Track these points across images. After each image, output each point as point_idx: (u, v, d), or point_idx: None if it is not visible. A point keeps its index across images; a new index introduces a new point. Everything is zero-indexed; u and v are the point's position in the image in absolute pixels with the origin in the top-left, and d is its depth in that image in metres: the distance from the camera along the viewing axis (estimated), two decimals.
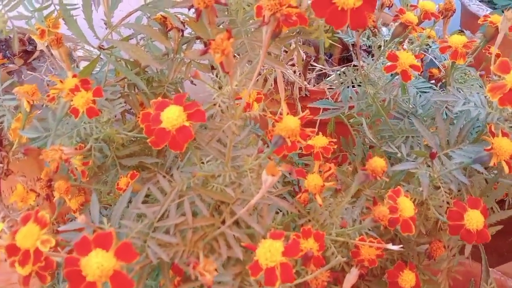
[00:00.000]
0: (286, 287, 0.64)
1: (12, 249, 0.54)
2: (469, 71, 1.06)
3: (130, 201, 0.69)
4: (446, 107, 0.97)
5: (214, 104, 0.68)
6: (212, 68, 0.90)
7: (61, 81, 0.67)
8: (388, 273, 0.84)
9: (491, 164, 0.68)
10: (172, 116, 0.54)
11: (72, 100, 0.64)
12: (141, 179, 0.82)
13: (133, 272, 0.65)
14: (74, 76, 0.68)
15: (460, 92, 0.90)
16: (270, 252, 0.52)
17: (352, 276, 0.74)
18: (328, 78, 1.29)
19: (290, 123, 0.55)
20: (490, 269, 1.04)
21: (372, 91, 0.95)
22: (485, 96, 0.79)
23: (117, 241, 0.50)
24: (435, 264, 0.91)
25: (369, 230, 0.77)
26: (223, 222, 0.69)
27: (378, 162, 0.62)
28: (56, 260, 0.59)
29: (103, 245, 0.48)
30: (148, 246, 0.64)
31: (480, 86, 1.03)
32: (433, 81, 1.32)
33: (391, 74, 0.95)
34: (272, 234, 0.54)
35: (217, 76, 0.68)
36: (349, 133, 1.19)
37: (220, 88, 0.68)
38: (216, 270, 0.51)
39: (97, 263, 0.46)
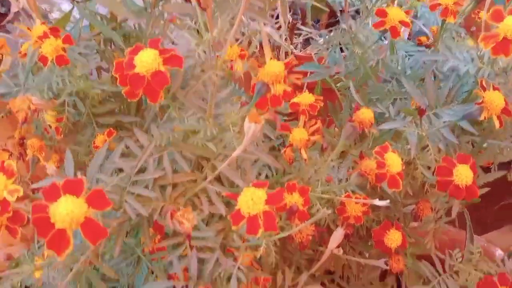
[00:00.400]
0: (270, 241, 0.62)
1: None
2: (459, 32, 1.03)
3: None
4: (435, 68, 0.95)
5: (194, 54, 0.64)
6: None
7: (29, 29, 0.62)
8: (374, 232, 0.83)
9: (482, 118, 0.66)
10: (147, 60, 0.51)
11: (40, 48, 0.60)
12: (118, 138, 0.78)
13: (110, 229, 0.62)
14: (43, 23, 0.64)
15: (449, 51, 0.88)
16: (252, 200, 0.49)
17: (337, 235, 0.73)
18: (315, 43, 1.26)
19: (274, 67, 0.52)
20: (475, 236, 1.04)
21: (360, 51, 0.92)
22: (477, 53, 0.77)
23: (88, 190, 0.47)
24: (421, 226, 0.90)
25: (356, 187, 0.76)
26: (205, 179, 0.67)
27: (366, 114, 0.60)
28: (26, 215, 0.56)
29: (73, 192, 0.45)
30: (126, 201, 0.61)
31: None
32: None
33: (380, 35, 0.92)
34: (255, 183, 0.52)
35: (195, 24, 0.64)
36: (336, 98, 1.17)
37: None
38: (194, 219, 0.48)
39: (67, 209, 0.43)
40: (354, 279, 1.01)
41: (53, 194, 0.45)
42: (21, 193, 0.50)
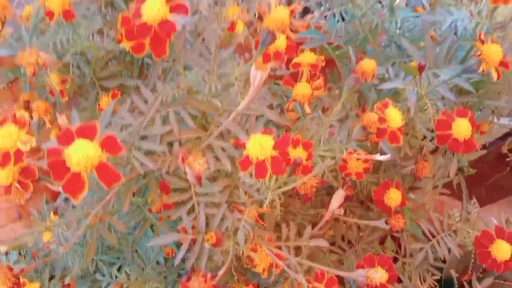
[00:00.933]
0: (275, 194, 0.64)
1: None
2: None
3: None
4: (434, 30, 0.96)
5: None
6: None
7: None
8: (374, 192, 0.85)
9: (480, 70, 0.67)
10: (154, 8, 0.51)
11: (46, 3, 0.60)
12: (122, 102, 0.79)
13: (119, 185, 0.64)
14: None
15: (447, 11, 0.89)
16: (260, 145, 0.50)
17: (338, 196, 0.74)
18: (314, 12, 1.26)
19: (280, 14, 0.53)
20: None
21: (360, 13, 0.93)
22: (475, 9, 0.78)
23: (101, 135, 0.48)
24: (420, 184, 0.92)
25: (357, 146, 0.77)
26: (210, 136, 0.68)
27: (368, 64, 0.61)
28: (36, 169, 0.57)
29: (87, 136, 0.46)
30: (134, 157, 0.62)
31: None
32: None
33: None
34: (263, 131, 0.53)
35: None
36: (335, 66, 1.18)
37: None
38: (205, 163, 0.50)
39: (82, 152, 0.44)
40: (354, 242, 1.03)
41: (67, 138, 0.46)
42: (34, 143, 0.51)
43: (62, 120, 0.52)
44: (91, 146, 0.45)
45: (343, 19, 1.08)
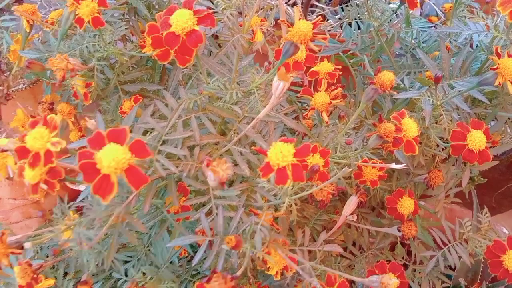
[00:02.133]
0: (292, 200, 0.65)
1: (22, 152, 0.53)
2: (472, 7, 1.05)
3: None
4: (449, 42, 0.97)
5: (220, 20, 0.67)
6: None
7: None
8: (387, 200, 0.86)
9: (496, 83, 0.68)
10: (182, 19, 0.53)
11: (76, 10, 0.62)
12: (143, 106, 0.81)
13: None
14: None
15: (463, 23, 0.90)
16: (281, 153, 0.52)
17: (351, 202, 0.76)
18: (329, 20, 1.28)
19: (303, 27, 0.55)
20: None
21: (376, 24, 0.94)
22: (491, 23, 0.79)
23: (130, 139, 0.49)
24: (432, 192, 0.93)
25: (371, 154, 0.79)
26: (230, 141, 0.70)
27: (387, 76, 0.62)
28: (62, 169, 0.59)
29: (117, 140, 0.48)
30: (156, 160, 0.64)
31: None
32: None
33: (399, 5, 0.94)
34: (283, 139, 0.55)
35: None
36: (350, 74, 1.19)
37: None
38: (228, 169, 0.51)
39: (113, 155, 0.46)
40: (365, 248, 1.04)
41: (98, 142, 0.48)
42: (63, 145, 0.53)
43: (91, 124, 0.54)
44: (122, 150, 0.47)
45: (359, 28, 1.10)
